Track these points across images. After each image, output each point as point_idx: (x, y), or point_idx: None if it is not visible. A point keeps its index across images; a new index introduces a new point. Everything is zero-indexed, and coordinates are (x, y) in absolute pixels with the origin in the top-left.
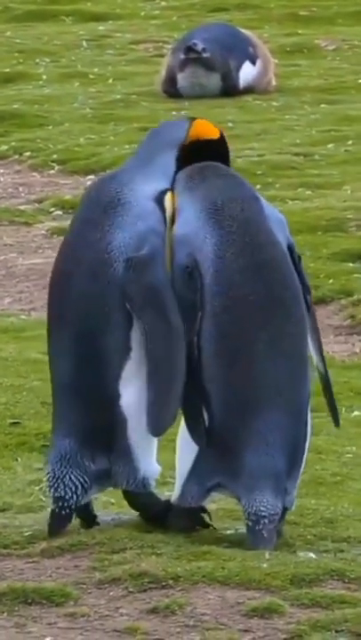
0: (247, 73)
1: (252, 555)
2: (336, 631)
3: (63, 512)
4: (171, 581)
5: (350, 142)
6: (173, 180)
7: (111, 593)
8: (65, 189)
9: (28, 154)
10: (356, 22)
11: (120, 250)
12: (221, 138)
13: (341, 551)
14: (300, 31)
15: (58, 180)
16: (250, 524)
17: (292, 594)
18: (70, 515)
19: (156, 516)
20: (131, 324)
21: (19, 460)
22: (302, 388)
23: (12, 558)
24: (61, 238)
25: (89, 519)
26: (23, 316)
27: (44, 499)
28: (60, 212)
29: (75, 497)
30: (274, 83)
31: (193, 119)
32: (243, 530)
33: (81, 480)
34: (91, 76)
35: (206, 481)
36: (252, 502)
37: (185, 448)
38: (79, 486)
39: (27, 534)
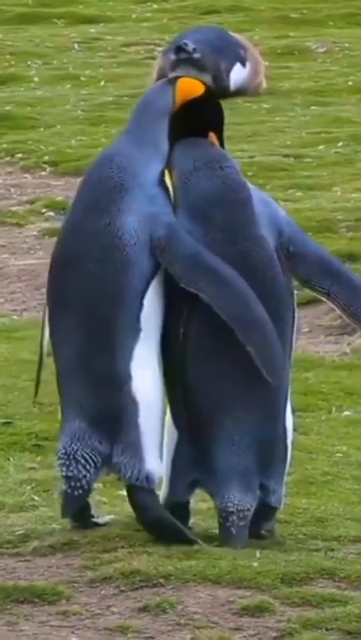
0: (238, 75)
1: (243, 553)
2: (326, 629)
3: (76, 492)
4: (162, 580)
5: (340, 144)
6: (169, 154)
7: (103, 591)
8: (56, 191)
9: (19, 155)
10: (346, 25)
11: (131, 233)
12: (207, 91)
13: (332, 550)
14: (290, 33)
15: (49, 182)
16: (220, 520)
17: (283, 592)
18: (82, 495)
19: (154, 521)
20: (142, 305)
21: (10, 459)
22: (278, 389)
23: (4, 557)
24: (53, 239)
25: (86, 523)
26: (15, 317)
27: (36, 498)
28: (51, 214)
29: (88, 475)
30: (264, 85)
31: (175, 79)
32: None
33: (93, 458)
34: (82, 79)
35: (186, 477)
36: (220, 499)
37: (169, 445)
38: (91, 464)
39: (18, 533)
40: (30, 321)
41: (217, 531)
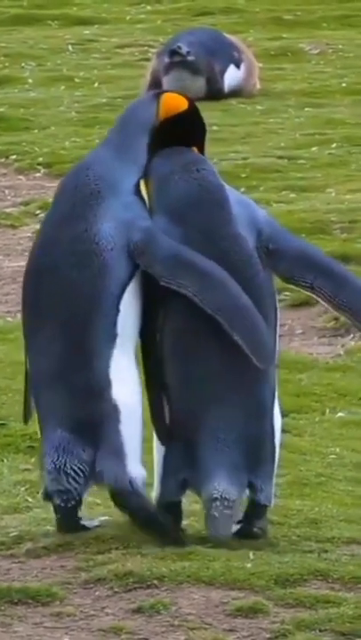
0: (232, 77)
1: (237, 555)
2: (320, 630)
3: (69, 505)
4: (156, 581)
5: (334, 145)
6: (146, 166)
7: (97, 593)
8: (51, 192)
9: (13, 157)
10: (340, 26)
11: (108, 239)
12: (190, 107)
13: (325, 551)
14: (284, 35)
15: (43, 183)
16: (205, 510)
17: (277, 594)
18: (76, 506)
19: (147, 520)
20: (118, 310)
21: (4, 460)
22: (262, 386)
23: None
24: None
25: (77, 526)
26: (9, 318)
27: (30, 500)
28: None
29: (78, 487)
30: (258, 86)
31: (160, 94)
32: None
33: (81, 468)
34: (76, 80)
35: (176, 476)
36: (206, 491)
37: (159, 445)
38: (80, 475)
39: (12, 535)
40: None
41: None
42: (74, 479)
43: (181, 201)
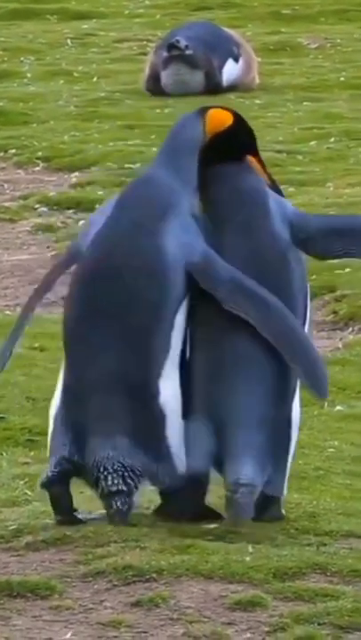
0: (230, 71)
1: (236, 548)
2: (319, 624)
3: (125, 507)
4: (154, 575)
5: (333, 140)
6: (198, 185)
7: (95, 586)
8: (50, 186)
9: (12, 151)
10: (338, 20)
11: (171, 256)
12: (236, 120)
13: (324, 545)
14: (283, 29)
15: (42, 177)
16: (228, 494)
17: (275, 587)
18: (130, 509)
19: (194, 514)
20: (173, 325)
21: (4, 454)
22: (287, 375)
23: None
24: (46, 235)
25: (72, 518)
26: (8, 312)
27: (29, 493)
28: (44, 209)
29: (136, 488)
30: (257, 81)
31: (205, 111)
32: (226, 525)
33: (138, 469)
34: (75, 74)
35: (204, 449)
36: (232, 474)
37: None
38: (137, 477)
39: (11, 528)
40: None
41: (210, 526)
42: (135, 482)
43: (222, 201)
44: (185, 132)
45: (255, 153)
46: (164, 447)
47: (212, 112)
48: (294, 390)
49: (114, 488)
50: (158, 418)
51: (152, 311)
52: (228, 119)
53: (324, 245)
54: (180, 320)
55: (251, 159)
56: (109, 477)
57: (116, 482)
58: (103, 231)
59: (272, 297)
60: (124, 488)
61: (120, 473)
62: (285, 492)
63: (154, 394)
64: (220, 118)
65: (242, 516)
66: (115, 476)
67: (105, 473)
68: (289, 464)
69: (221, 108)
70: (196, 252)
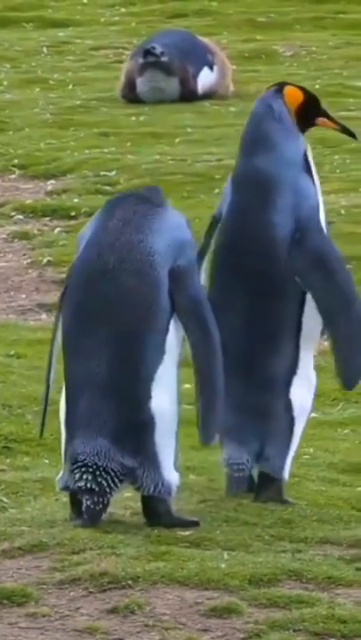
0: (205, 79)
1: (211, 555)
2: (294, 630)
3: (97, 507)
4: (130, 581)
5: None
6: None
7: (71, 593)
8: (26, 194)
9: None
10: (313, 28)
11: (162, 256)
12: (305, 93)
13: (299, 551)
14: (258, 37)
15: (18, 185)
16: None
17: (251, 594)
18: (103, 510)
19: (170, 524)
20: (168, 328)
21: None
22: (273, 362)
23: None
24: (23, 242)
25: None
26: None
27: (5, 500)
28: (20, 217)
29: (111, 490)
30: (232, 88)
31: (282, 88)
32: (202, 532)
33: (118, 473)
34: (51, 82)
35: (248, 446)
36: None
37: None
38: (116, 480)
39: None
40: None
41: (185, 533)
42: (109, 483)
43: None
44: (267, 109)
45: (326, 114)
46: (151, 453)
47: (288, 89)
48: (290, 373)
49: (82, 484)
50: (147, 423)
51: (142, 309)
52: (300, 95)
53: (304, 271)
54: (175, 324)
55: (324, 121)
56: (80, 474)
57: (85, 478)
58: (94, 230)
59: (216, 333)
60: (95, 487)
61: (91, 471)
62: (286, 475)
63: (144, 398)
64: (296, 94)
65: (233, 490)
66: (86, 473)
67: (78, 469)
68: (291, 446)
69: (294, 85)
70: (183, 256)
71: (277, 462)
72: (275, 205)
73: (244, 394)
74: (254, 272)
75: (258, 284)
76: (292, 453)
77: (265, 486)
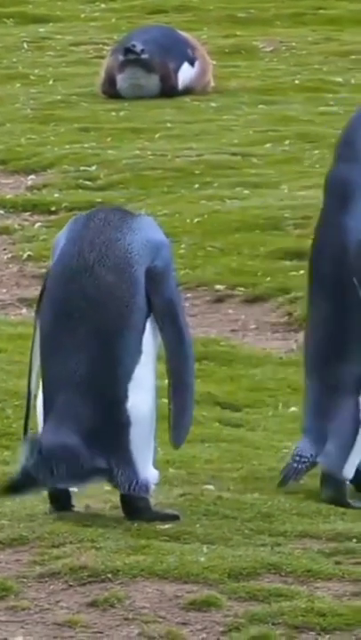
0: (186, 74)
1: (191, 549)
2: (273, 624)
3: (60, 501)
4: (110, 575)
5: (287, 142)
6: None
7: (51, 586)
8: (6, 189)
9: None
10: (293, 24)
11: (139, 254)
12: None
13: (278, 545)
14: (238, 33)
15: None
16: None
17: (230, 587)
18: (68, 500)
19: (149, 520)
20: (145, 327)
21: None
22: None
23: None
24: (3, 237)
25: (66, 504)
26: None
27: None
28: (1, 212)
29: (69, 484)
30: (212, 84)
31: None
32: (181, 525)
33: (79, 471)
34: (32, 78)
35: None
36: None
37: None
38: (77, 476)
39: None
40: None
41: (164, 526)
42: (68, 477)
43: None
44: None
45: None
46: (126, 452)
47: None
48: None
49: (53, 480)
50: (123, 423)
51: (120, 306)
52: None
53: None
54: (151, 325)
55: None
56: (51, 469)
57: (56, 473)
58: (72, 228)
59: (189, 336)
60: (64, 483)
61: (64, 467)
62: (347, 475)
63: (121, 398)
64: None
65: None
66: (58, 468)
67: (48, 464)
68: (355, 447)
69: None
70: (159, 257)
71: (337, 460)
72: (352, 210)
73: (320, 395)
74: (327, 275)
75: (330, 288)
76: (355, 455)
77: (326, 485)
